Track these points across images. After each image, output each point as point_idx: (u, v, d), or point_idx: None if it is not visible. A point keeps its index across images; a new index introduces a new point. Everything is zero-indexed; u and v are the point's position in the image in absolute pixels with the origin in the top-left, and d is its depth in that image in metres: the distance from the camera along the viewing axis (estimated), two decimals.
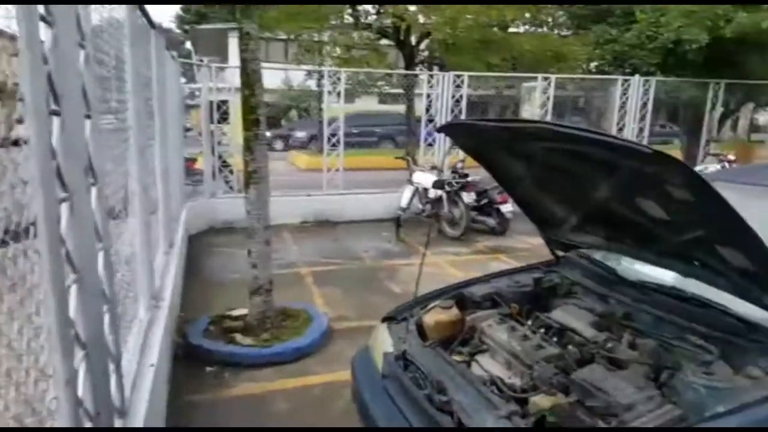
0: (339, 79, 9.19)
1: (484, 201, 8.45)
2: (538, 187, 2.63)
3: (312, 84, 18.45)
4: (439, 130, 2.87)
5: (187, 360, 4.08)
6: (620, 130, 11.42)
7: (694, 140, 13.12)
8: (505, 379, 2.23)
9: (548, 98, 10.35)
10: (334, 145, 9.26)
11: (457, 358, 2.39)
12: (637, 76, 11.27)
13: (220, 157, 8.86)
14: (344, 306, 5.33)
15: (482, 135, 2.41)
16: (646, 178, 1.82)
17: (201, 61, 10.89)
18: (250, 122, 4.33)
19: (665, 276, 2.45)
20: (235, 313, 4.72)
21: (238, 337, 4.34)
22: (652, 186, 1.85)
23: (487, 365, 2.34)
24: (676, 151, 14.86)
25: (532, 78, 10.84)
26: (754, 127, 20.29)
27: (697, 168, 10.64)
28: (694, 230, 1.94)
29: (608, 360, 2.18)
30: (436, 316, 2.64)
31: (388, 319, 2.82)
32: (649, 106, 11.36)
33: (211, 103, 8.62)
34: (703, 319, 2.16)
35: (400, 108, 14.66)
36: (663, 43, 12.06)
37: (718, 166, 10.49)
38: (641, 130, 11.57)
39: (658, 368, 2.07)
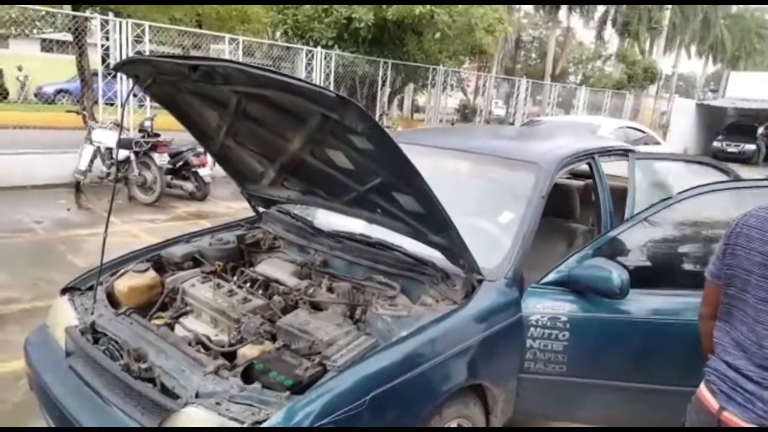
0: None
1: (180, 163, 7.86)
2: (234, 139, 2.55)
3: None
4: (117, 67, 2.50)
5: None
6: None
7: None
8: (212, 336, 2.18)
9: None
10: None
11: (157, 322, 2.23)
12: (319, 48, 11.98)
13: None
14: (11, 287, 4.46)
15: (168, 77, 2.23)
16: (332, 125, 1.89)
17: None
18: None
19: (355, 225, 2.68)
20: None
21: None
22: (338, 135, 1.94)
23: (192, 325, 2.25)
24: None
25: (220, 39, 10.60)
26: (415, 108, 23.51)
27: None
28: (374, 179, 2.11)
29: (310, 304, 2.31)
30: (129, 280, 2.42)
31: (71, 289, 2.47)
32: (332, 78, 12.22)
33: None
34: (386, 260, 2.44)
35: (70, 58, 12.69)
36: (337, 19, 13.05)
37: None
38: None
39: (352, 306, 2.28)
